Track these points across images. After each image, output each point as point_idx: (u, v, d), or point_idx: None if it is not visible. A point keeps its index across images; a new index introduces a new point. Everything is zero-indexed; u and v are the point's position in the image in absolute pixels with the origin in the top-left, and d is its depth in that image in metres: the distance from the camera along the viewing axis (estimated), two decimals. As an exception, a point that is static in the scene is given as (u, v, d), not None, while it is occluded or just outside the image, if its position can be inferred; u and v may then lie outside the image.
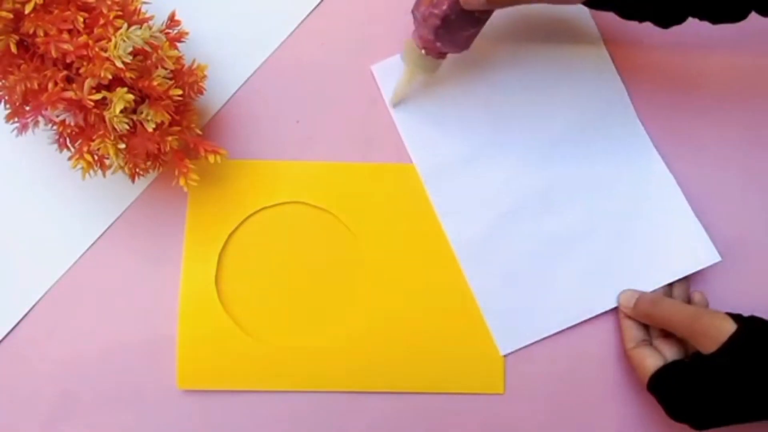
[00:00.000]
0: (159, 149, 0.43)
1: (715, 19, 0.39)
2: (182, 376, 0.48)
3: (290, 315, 0.49)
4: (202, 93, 0.45)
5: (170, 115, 0.42)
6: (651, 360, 0.45)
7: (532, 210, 0.50)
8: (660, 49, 0.49)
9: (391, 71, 0.50)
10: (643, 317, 0.47)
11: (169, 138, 0.43)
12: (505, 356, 0.49)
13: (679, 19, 0.40)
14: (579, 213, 0.50)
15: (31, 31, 0.39)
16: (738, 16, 0.39)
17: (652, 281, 0.49)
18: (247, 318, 0.49)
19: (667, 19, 0.40)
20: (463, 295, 0.49)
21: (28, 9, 0.38)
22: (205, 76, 0.44)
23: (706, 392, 0.41)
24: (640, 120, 0.50)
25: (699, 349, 0.42)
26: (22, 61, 0.40)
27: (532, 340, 0.49)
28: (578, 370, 0.49)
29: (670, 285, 0.49)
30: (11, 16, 0.39)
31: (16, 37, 0.39)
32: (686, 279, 0.50)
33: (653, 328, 0.48)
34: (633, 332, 0.47)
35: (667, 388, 0.44)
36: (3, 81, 0.41)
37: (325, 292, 0.49)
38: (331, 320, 0.49)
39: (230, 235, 0.49)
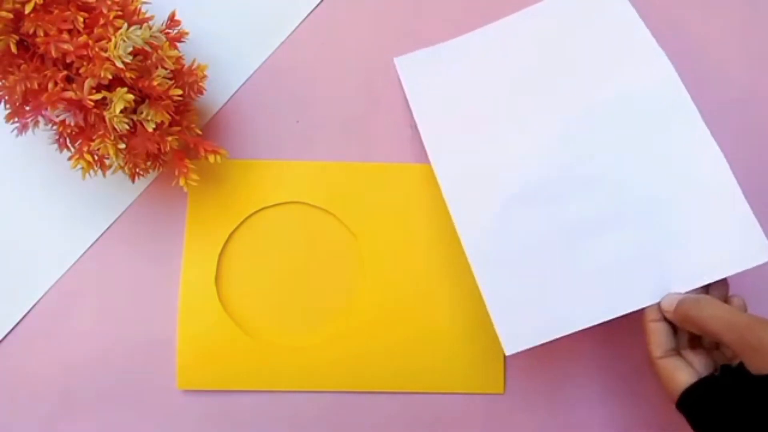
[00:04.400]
0: (159, 149, 0.43)
1: None
2: (182, 376, 0.48)
3: (290, 315, 0.49)
4: (202, 93, 0.45)
5: (170, 115, 0.42)
6: (683, 374, 0.39)
7: (551, 193, 0.45)
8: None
9: (413, 64, 0.49)
10: (683, 320, 0.40)
11: (169, 138, 0.43)
12: (506, 356, 0.48)
13: None
14: (608, 197, 0.44)
15: (31, 31, 0.39)
16: None
17: (689, 279, 0.42)
18: (247, 318, 0.49)
19: None
20: (463, 295, 0.49)
21: (28, 9, 0.38)
22: (205, 76, 0.44)
23: (749, 417, 0.36)
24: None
25: (747, 365, 0.36)
26: (22, 61, 0.40)
27: (541, 342, 0.44)
28: (579, 370, 0.50)
29: (707, 287, 0.43)
30: (11, 16, 0.39)
31: (16, 37, 0.39)
32: (725, 281, 0.43)
33: (681, 337, 0.42)
34: (662, 338, 0.41)
35: (702, 407, 0.38)
36: (3, 81, 0.41)
37: (326, 292, 0.49)
38: (331, 320, 0.49)
39: (230, 235, 0.49)
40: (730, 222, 0.43)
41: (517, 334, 0.44)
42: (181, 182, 0.45)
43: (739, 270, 0.42)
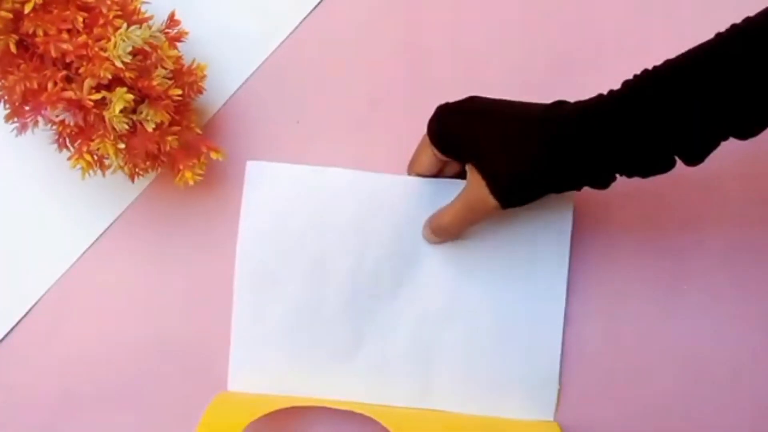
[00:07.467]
0: (159, 149, 0.43)
1: (644, 174, 0.38)
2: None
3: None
4: (201, 93, 0.45)
5: (170, 114, 0.42)
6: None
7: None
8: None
9: (263, 176, 0.48)
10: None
11: (169, 138, 0.43)
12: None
13: (608, 182, 0.39)
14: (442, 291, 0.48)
15: (30, 31, 0.39)
16: (665, 167, 0.38)
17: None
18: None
19: (599, 183, 0.39)
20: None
21: (27, 9, 0.38)
22: (204, 76, 0.44)
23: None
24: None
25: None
26: (21, 61, 0.40)
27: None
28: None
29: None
30: (11, 16, 0.39)
31: (16, 37, 0.39)
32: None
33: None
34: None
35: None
36: (3, 81, 0.41)
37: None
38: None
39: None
40: (536, 371, 0.46)
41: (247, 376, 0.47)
42: (187, 175, 0.44)
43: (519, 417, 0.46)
